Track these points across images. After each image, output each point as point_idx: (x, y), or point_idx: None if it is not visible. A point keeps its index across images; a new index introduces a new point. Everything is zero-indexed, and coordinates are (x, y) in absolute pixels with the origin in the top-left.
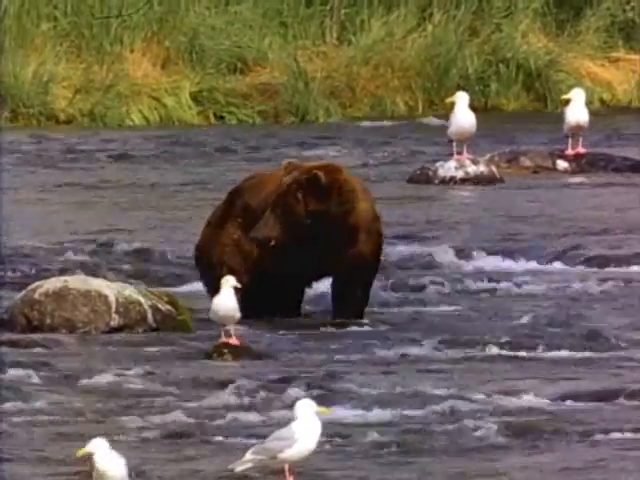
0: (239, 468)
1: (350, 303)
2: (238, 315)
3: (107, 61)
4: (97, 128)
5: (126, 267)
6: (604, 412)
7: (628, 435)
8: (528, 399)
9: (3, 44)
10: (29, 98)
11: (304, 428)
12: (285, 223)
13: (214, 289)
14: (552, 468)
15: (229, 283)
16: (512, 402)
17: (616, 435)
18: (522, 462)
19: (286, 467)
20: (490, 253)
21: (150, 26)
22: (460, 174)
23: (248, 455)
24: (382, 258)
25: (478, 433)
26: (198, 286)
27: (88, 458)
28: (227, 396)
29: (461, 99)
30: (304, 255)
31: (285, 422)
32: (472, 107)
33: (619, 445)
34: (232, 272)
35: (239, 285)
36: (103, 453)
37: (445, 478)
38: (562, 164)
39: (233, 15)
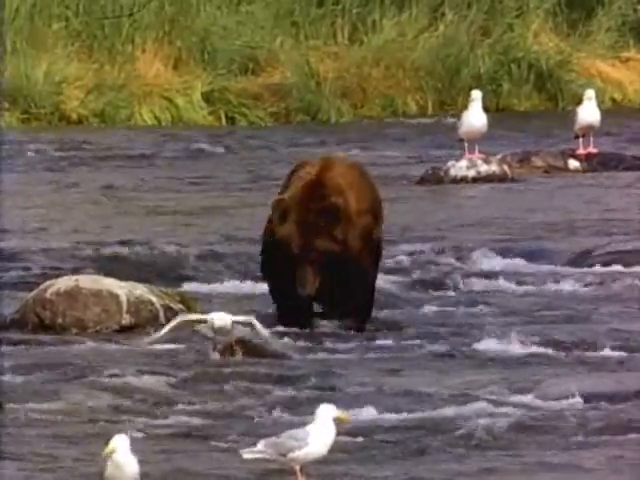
0: (248, 456)
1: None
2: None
3: (119, 61)
4: (108, 128)
5: (138, 267)
6: (605, 412)
7: (629, 435)
8: (529, 398)
9: (14, 44)
10: (41, 98)
11: (318, 432)
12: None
13: None
14: (553, 468)
15: None
16: (513, 401)
17: (616, 435)
18: (523, 462)
19: (297, 468)
20: (501, 253)
21: (162, 26)
22: (472, 173)
23: (260, 446)
24: (390, 259)
25: (480, 433)
26: (209, 286)
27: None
28: (238, 395)
29: (476, 98)
30: None
31: (299, 422)
32: (484, 107)
33: (619, 445)
34: None
35: None
36: (122, 451)
37: (446, 477)
38: (574, 164)
39: (244, 15)
